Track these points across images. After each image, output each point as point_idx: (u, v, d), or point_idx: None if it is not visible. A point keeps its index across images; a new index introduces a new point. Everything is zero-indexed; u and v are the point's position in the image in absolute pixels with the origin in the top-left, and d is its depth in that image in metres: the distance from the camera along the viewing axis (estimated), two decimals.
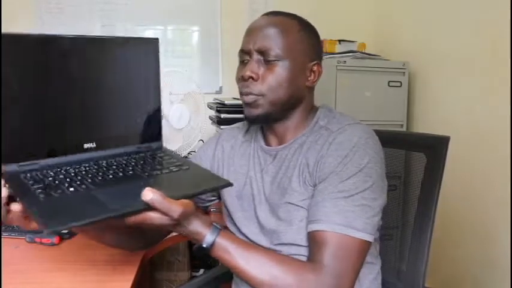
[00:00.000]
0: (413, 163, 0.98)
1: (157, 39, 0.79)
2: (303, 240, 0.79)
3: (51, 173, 0.68)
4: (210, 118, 1.92)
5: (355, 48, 2.26)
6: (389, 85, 2.09)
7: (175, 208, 0.64)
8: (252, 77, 0.81)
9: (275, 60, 0.81)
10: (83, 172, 0.69)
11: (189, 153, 1.61)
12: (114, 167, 0.72)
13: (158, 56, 0.80)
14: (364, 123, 0.83)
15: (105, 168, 0.71)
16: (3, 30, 0.64)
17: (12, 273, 0.86)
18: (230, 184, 0.72)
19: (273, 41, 0.81)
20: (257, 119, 0.84)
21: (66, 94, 0.72)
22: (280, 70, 0.81)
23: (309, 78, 0.85)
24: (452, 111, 1.90)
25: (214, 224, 0.74)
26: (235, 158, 0.94)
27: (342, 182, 0.75)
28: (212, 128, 1.90)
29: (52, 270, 0.89)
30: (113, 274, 0.86)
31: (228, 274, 0.99)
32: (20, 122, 0.67)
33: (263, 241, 0.84)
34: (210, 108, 1.89)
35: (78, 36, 0.73)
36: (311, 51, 0.85)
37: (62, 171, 0.69)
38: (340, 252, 0.72)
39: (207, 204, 1.00)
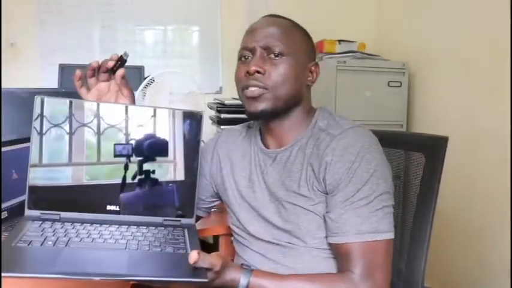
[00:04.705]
0: (413, 163, 0.98)
1: (202, 113, 0.82)
2: (311, 242, 0.81)
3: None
4: (210, 118, 1.92)
5: (355, 48, 2.27)
6: (389, 85, 2.09)
7: (216, 261, 0.67)
8: (258, 71, 0.81)
9: (280, 56, 0.82)
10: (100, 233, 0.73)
11: None
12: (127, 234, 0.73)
13: (201, 130, 0.82)
14: (364, 124, 0.84)
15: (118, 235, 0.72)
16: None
17: None
18: (204, 282, 0.66)
19: (277, 38, 0.82)
20: (261, 114, 0.83)
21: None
22: (285, 66, 0.82)
23: (309, 78, 0.87)
24: (452, 111, 1.90)
25: (245, 266, 0.78)
26: (235, 160, 0.94)
27: (359, 190, 0.76)
28: (212, 128, 1.90)
29: None
30: None
31: None
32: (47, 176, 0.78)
33: (270, 239, 0.85)
34: (210, 108, 1.89)
35: (126, 104, 0.82)
36: (310, 52, 0.88)
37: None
38: (371, 256, 0.74)
39: (210, 205, 1.01)
